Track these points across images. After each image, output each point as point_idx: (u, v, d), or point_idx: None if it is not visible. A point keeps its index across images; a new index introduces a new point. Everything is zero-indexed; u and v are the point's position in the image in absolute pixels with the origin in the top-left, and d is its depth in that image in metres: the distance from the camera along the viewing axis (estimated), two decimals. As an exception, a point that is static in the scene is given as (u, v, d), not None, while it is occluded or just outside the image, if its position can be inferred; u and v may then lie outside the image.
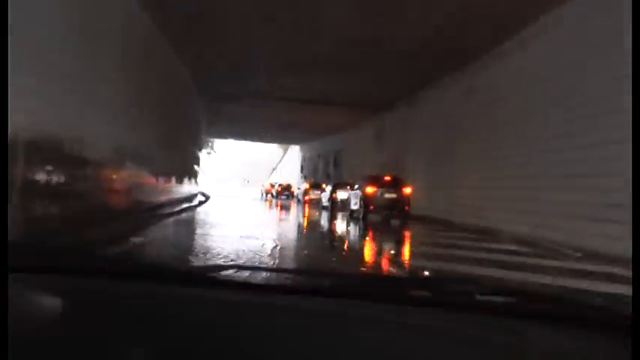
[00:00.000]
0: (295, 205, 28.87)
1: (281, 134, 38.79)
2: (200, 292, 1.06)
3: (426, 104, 18.61)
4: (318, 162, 40.18)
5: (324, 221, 16.27)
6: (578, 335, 0.97)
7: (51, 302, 0.91)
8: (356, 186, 17.83)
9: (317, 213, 20.96)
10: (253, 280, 1.23)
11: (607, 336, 0.96)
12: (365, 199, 16.01)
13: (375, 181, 16.39)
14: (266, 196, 41.91)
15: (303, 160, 45.64)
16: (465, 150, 15.01)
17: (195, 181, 32.10)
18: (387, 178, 16.71)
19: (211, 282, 1.17)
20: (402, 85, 18.96)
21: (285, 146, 55.42)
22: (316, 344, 0.84)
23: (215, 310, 0.95)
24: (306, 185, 30.65)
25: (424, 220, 16.25)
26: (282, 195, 38.67)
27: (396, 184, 16.28)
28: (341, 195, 21.32)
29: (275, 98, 22.91)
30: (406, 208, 15.88)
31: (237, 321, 0.90)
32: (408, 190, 16.15)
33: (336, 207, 21.65)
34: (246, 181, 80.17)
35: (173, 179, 20.02)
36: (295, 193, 34.74)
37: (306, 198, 28.96)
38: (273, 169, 64.60)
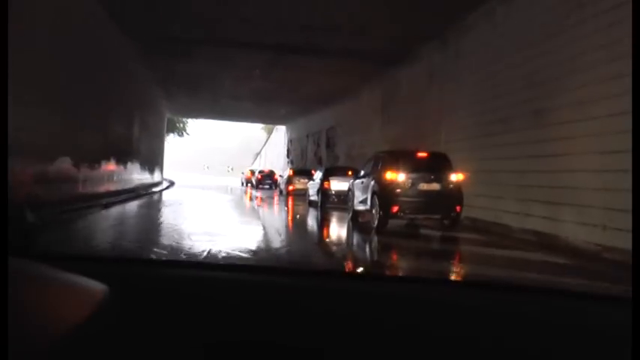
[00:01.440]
0: (276, 198, 21.98)
1: (261, 110, 31.63)
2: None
3: (479, 43, 11.55)
4: (306, 143, 33.16)
5: (306, 237, 9.35)
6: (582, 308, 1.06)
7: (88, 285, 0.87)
8: (362, 172, 10.85)
9: (299, 214, 13.94)
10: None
11: (608, 308, 1.06)
12: (382, 194, 9.13)
13: (400, 161, 9.46)
14: (246, 185, 35.82)
15: (290, 142, 38.56)
16: (571, 113, 8.04)
17: (151, 170, 25.10)
18: (423, 155, 9.72)
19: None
20: (434, 15, 11.94)
21: (270, 127, 48.36)
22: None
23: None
24: (289, 172, 23.55)
25: (488, 231, 9.42)
26: (264, 184, 32.38)
27: (440, 167, 9.35)
28: (337, 185, 14.29)
29: (240, 45, 15.77)
30: (457, 209, 8.95)
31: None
32: (458, 178, 9.24)
33: (328, 202, 14.64)
34: (230, 169, 73.59)
35: (109, 166, 15.60)
36: (278, 182, 27.79)
37: (290, 188, 21.94)
38: (257, 155, 57.54)
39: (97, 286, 0.87)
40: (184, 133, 46.75)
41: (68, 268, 0.91)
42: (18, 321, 0.69)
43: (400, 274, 1.97)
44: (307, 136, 33.04)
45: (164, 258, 1.52)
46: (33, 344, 0.68)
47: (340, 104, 24.53)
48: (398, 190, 8.91)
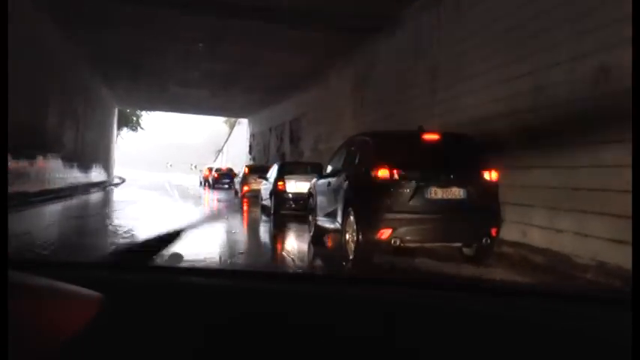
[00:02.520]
0: (225, 202, 18.62)
1: (218, 100, 28.00)
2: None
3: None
4: (269, 138, 29.72)
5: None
6: (579, 311, 1.02)
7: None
8: (329, 167, 7.43)
9: (236, 230, 10.50)
10: None
11: (607, 311, 1.02)
12: (361, 205, 5.81)
13: (394, 150, 6.06)
14: (204, 185, 32.62)
15: (252, 136, 34.98)
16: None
17: (86, 167, 21.50)
18: (433, 138, 6.22)
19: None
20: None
21: (232, 121, 44.71)
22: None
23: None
24: (244, 170, 20.06)
25: (540, 267, 6.09)
26: (222, 183, 29.07)
27: (463, 159, 5.97)
28: (296, 186, 10.89)
29: (172, 4, 12.22)
30: (493, 231, 5.65)
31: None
32: (492, 177, 5.85)
33: (283, 208, 11.22)
34: (193, 167, 70.14)
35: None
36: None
37: (245, 189, 18.46)
38: (219, 152, 53.74)
39: (92, 294, 0.86)
40: (138, 127, 42.77)
41: (57, 277, 0.91)
42: (13, 335, 0.70)
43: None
44: (270, 130, 29.60)
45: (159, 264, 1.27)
46: (33, 357, 0.70)
47: (305, 92, 21.20)
48: (390, 200, 5.46)
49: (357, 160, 6.31)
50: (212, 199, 20.68)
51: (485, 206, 5.64)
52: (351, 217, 5.77)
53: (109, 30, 15.11)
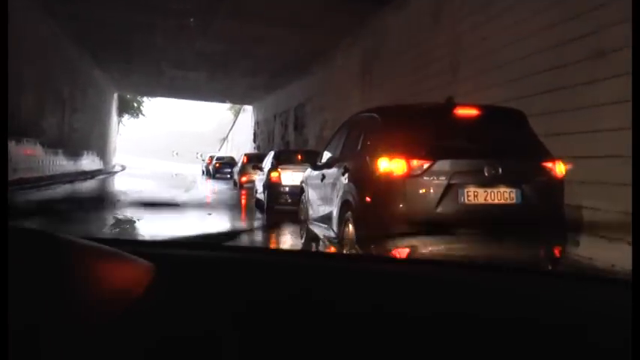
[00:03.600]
0: (220, 194, 17.18)
1: (219, 84, 26.46)
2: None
3: None
4: (274, 125, 28.17)
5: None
6: (579, 289, 1.05)
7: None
8: (325, 155, 5.76)
9: (221, 225, 8.92)
10: None
11: (607, 289, 1.06)
12: (366, 210, 4.03)
13: (414, 131, 4.15)
14: (207, 174, 31.50)
15: (257, 124, 33.40)
16: None
17: (76, 155, 20.20)
18: (469, 113, 4.27)
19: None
20: None
21: (237, 108, 43.20)
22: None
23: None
24: (243, 159, 18.49)
25: None
26: (223, 173, 27.98)
27: (513, 145, 4.07)
28: (292, 178, 9.24)
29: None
30: (556, 252, 3.66)
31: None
32: (558, 172, 3.98)
33: (278, 203, 9.58)
34: (199, 155, 69.46)
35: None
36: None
37: (243, 180, 16.90)
38: (224, 140, 52.33)
39: (145, 263, 0.92)
40: (139, 113, 41.29)
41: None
42: (79, 295, 0.75)
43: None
44: (274, 117, 28.04)
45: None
46: (99, 316, 0.74)
47: (310, 75, 19.60)
48: (405, 206, 3.77)
49: (359, 146, 4.57)
50: (206, 190, 19.14)
51: (548, 214, 3.89)
52: (350, 227, 4.13)
53: (90, 2, 13.55)
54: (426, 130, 4.13)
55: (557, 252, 3.55)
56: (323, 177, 5.16)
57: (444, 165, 3.82)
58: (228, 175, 26.87)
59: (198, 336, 0.84)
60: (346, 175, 4.44)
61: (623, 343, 0.81)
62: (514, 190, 3.84)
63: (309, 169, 6.19)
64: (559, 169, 4.01)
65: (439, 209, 3.76)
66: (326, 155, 5.59)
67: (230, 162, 28.14)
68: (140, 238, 1.84)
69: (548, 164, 4.01)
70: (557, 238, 3.71)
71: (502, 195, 3.82)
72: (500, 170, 3.82)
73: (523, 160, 4.04)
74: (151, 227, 6.60)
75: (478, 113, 4.29)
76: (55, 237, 0.81)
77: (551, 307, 0.91)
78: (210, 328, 0.85)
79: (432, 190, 3.78)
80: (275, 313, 0.89)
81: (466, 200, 3.80)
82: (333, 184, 4.70)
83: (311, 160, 8.75)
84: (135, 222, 7.09)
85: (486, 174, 3.79)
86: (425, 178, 3.77)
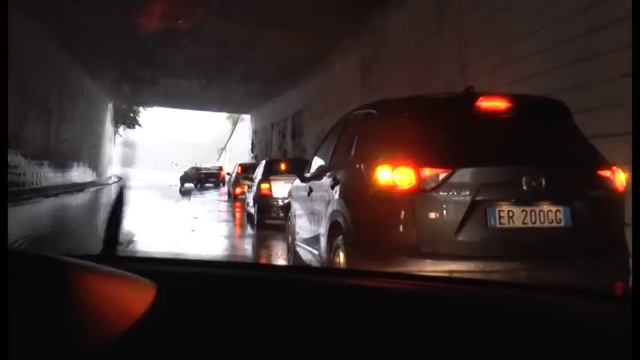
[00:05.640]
0: (208, 205, 16.34)
1: (214, 92, 25.65)
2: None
3: None
4: (271, 134, 27.38)
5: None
6: (579, 303, 1.04)
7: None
8: (314, 164, 4.82)
9: (202, 247, 8.00)
10: None
11: (607, 302, 1.05)
12: (360, 234, 3.04)
13: (425, 132, 3.08)
14: (197, 184, 31.74)
15: (254, 133, 32.59)
16: None
17: (64, 166, 19.36)
18: (499, 106, 3.12)
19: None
20: None
21: (235, 117, 42.56)
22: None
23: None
24: (237, 169, 17.65)
25: None
26: (209, 182, 30.00)
27: (566, 149, 3.00)
28: (282, 189, 8.34)
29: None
30: (619, 287, 2.80)
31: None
32: (619, 183, 2.92)
33: (268, 217, 8.67)
34: (174, 164, 70.27)
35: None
36: (228, 180, 22.61)
37: (237, 191, 16.06)
38: (222, 150, 51.69)
39: (145, 282, 0.90)
40: (135, 124, 40.47)
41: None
42: (80, 317, 0.73)
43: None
44: (272, 126, 27.26)
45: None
46: (100, 337, 0.72)
47: (307, 82, 18.87)
48: (416, 230, 2.72)
49: (352, 152, 3.58)
50: (197, 203, 18.25)
51: (607, 240, 2.90)
52: (341, 255, 3.18)
53: (74, 7, 12.78)
54: (441, 128, 3.10)
55: (618, 288, 2.64)
56: (310, 190, 4.22)
57: (466, 175, 2.82)
58: (212, 185, 28.99)
59: (202, 354, 0.81)
60: (336, 188, 3.49)
61: (623, 358, 0.81)
62: (562, 209, 2.84)
63: (297, 181, 5.25)
64: (619, 179, 2.99)
65: (461, 237, 2.75)
66: (316, 163, 4.65)
67: (213, 173, 29.02)
68: (138, 255, 1.43)
69: (605, 173, 2.99)
70: (616, 268, 2.76)
71: (546, 216, 2.81)
72: (543, 182, 2.79)
73: (572, 167, 3.02)
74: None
75: (509, 105, 3.19)
76: (54, 259, 0.82)
77: (550, 323, 0.90)
78: (213, 346, 0.82)
79: (450, 211, 2.78)
80: (281, 331, 0.86)
81: (498, 224, 2.77)
82: (322, 200, 3.76)
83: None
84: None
85: (525, 187, 2.76)
86: (441, 193, 2.76)
